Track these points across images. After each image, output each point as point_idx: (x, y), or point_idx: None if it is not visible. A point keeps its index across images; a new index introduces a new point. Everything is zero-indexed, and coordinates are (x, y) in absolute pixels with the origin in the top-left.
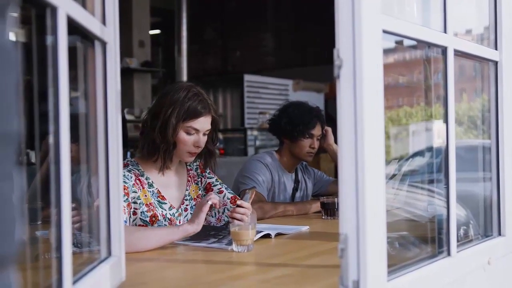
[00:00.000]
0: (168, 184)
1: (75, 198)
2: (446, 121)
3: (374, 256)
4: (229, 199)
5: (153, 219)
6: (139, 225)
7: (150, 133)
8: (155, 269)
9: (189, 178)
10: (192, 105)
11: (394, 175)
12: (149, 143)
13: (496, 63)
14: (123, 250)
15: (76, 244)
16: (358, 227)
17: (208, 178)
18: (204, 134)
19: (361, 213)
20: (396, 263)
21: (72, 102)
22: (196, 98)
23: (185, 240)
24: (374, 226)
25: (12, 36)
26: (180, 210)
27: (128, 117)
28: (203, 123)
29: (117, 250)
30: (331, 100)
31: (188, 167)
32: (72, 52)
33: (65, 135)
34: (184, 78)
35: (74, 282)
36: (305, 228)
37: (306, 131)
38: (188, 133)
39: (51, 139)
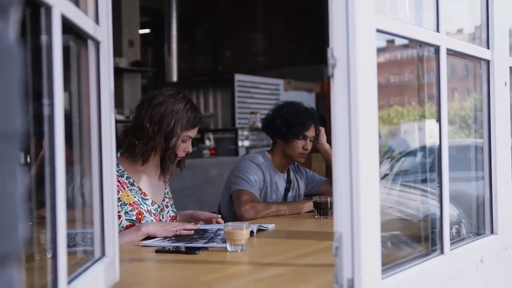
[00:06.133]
0: (149, 183)
1: (67, 199)
2: (439, 120)
3: (369, 254)
4: (170, 217)
5: (139, 216)
6: (126, 226)
7: (151, 140)
8: (149, 269)
9: (166, 179)
10: (192, 116)
11: (386, 175)
12: (149, 149)
13: (488, 62)
14: (117, 250)
15: (69, 244)
16: (353, 226)
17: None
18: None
19: (356, 211)
20: (390, 262)
21: (64, 102)
22: (194, 109)
23: (180, 241)
24: (369, 225)
25: (14, 36)
26: (162, 206)
27: (117, 117)
28: (196, 131)
29: (111, 250)
30: (322, 99)
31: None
32: (64, 51)
33: (60, 136)
34: (174, 78)
35: (69, 282)
36: (271, 226)
37: (300, 132)
38: (183, 141)
39: (45, 140)
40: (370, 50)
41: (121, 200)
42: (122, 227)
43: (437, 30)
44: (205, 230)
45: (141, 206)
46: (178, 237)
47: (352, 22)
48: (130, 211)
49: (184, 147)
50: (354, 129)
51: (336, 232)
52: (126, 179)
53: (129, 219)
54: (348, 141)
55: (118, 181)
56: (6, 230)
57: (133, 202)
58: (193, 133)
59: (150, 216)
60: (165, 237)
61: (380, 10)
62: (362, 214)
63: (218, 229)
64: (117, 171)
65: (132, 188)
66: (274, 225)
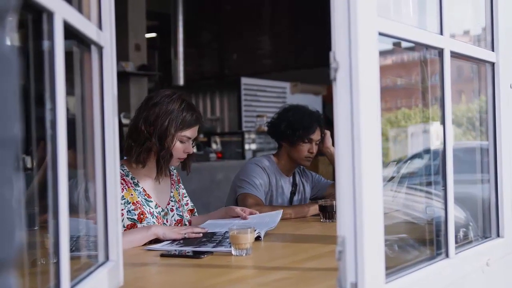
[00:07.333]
0: (154, 186)
1: (72, 204)
2: (443, 122)
3: (372, 258)
4: (175, 221)
5: (141, 216)
6: (128, 225)
7: (146, 141)
8: (153, 274)
9: (173, 182)
10: (188, 116)
11: (392, 177)
12: (145, 151)
13: (492, 64)
14: (120, 255)
15: (73, 248)
16: (356, 229)
17: (182, 188)
18: (192, 141)
19: (359, 215)
20: (395, 265)
21: (68, 106)
22: (190, 109)
23: (188, 245)
24: (372, 228)
25: (11, 42)
26: (166, 209)
27: (124, 121)
28: (195, 131)
29: (114, 255)
30: (328, 102)
31: (170, 172)
32: (68, 56)
33: (62, 140)
34: (181, 81)
35: (72, 286)
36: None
37: (306, 135)
38: (181, 142)
39: (48, 145)
40: (372, 53)
41: (124, 198)
42: (124, 226)
43: (441, 33)
44: (213, 233)
45: (144, 206)
46: (186, 241)
47: (354, 26)
48: (132, 210)
49: (183, 148)
50: (356, 133)
51: (339, 236)
52: (131, 179)
53: (130, 218)
54: (351, 145)
55: (123, 179)
56: (2, 237)
57: (136, 202)
58: (190, 133)
59: (152, 218)
60: (173, 241)
61: (383, 13)
62: (365, 218)
63: (226, 231)
64: (123, 171)
65: (136, 188)
66: (281, 211)
